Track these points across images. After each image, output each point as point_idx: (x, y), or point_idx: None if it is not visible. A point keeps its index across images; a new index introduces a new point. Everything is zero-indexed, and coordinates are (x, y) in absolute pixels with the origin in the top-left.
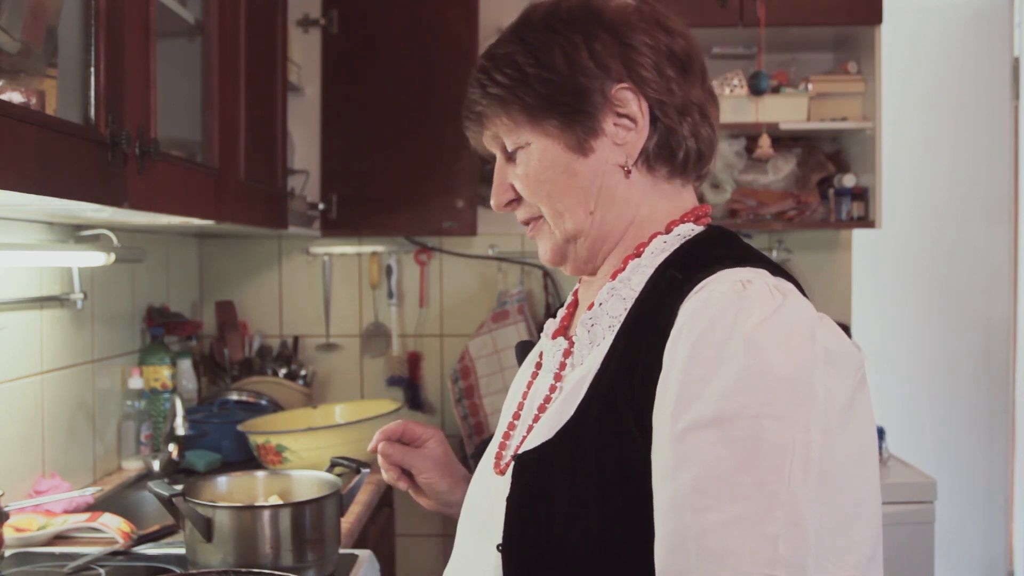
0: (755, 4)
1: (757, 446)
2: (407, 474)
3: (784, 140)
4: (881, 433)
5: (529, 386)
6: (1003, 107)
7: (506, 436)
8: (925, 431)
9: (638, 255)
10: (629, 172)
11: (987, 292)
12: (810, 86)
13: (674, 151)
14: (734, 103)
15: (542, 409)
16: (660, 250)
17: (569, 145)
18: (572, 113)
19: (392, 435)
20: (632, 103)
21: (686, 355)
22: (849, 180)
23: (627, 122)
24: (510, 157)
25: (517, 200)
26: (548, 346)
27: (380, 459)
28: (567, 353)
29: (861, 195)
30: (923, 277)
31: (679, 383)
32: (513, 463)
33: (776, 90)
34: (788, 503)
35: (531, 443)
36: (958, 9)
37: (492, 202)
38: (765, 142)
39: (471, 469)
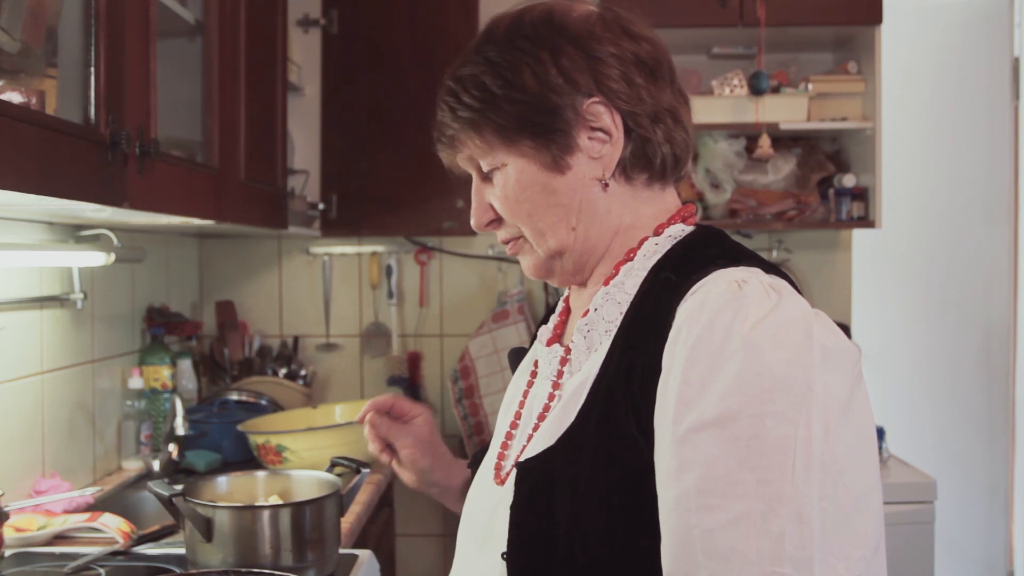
0: (755, 4)
1: (759, 445)
2: (391, 449)
3: (784, 140)
4: (881, 433)
5: (525, 394)
6: (1003, 107)
7: (504, 445)
8: (925, 431)
9: (630, 259)
10: (607, 185)
11: (987, 292)
12: (810, 86)
13: (651, 159)
14: (734, 103)
15: (541, 417)
16: (652, 252)
17: (545, 164)
18: (546, 132)
19: (381, 407)
20: (605, 116)
21: (685, 357)
22: (849, 180)
23: (601, 135)
24: (486, 177)
25: (498, 220)
26: (543, 353)
27: (367, 429)
28: (564, 360)
29: (861, 195)
30: (923, 277)
31: (679, 385)
32: (515, 471)
33: (776, 90)
34: (792, 500)
35: (532, 451)
36: (958, 9)
37: (473, 223)
38: (765, 142)
39: (472, 474)
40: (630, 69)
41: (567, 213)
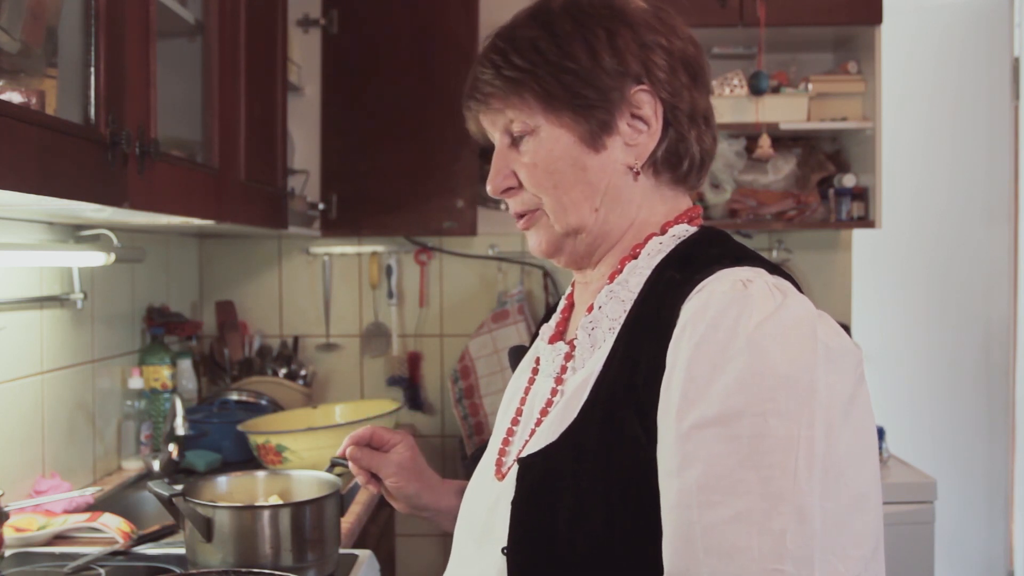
0: (755, 4)
1: (762, 443)
2: (377, 479)
3: (784, 140)
4: (881, 433)
5: (527, 391)
6: (1003, 107)
7: (505, 442)
8: (925, 431)
9: (634, 256)
10: (638, 174)
11: (987, 292)
12: (810, 86)
13: (681, 158)
14: (734, 103)
15: (544, 413)
16: (656, 251)
17: (582, 138)
18: (589, 107)
19: (360, 440)
20: (648, 105)
21: (689, 355)
22: (849, 180)
23: (640, 124)
24: (514, 143)
25: (516, 188)
26: (546, 351)
27: (350, 463)
28: (568, 357)
29: (861, 195)
30: (923, 277)
31: (683, 383)
32: (516, 466)
33: (776, 90)
34: (794, 498)
35: (533, 447)
36: (958, 9)
37: (489, 187)
38: (765, 142)
39: (469, 473)
40: (677, 65)
41: (593, 192)
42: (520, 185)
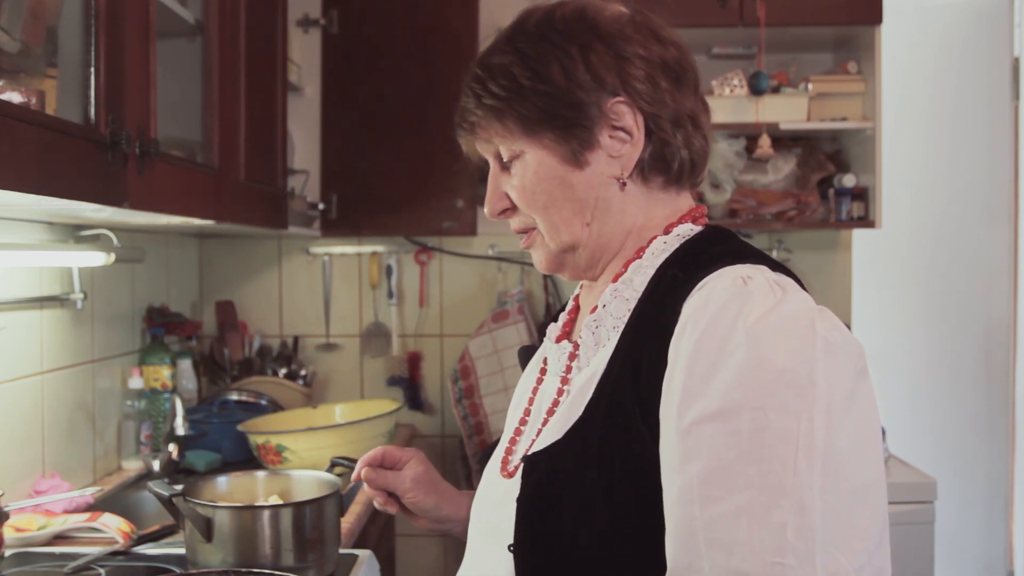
0: (755, 4)
1: (762, 436)
2: (395, 498)
3: (784, 140)
4: (881, 433)
5: (535, 391)
6: (1003, 107)
7: (513, 441)
8: (925, 431)
9: (639, 257)
10: (624, 184)
11: (987, 292)
12: (810, 86)
13: (668, 162)
14: (734, 103)
15: (550, 412)
16: (660, 251)
17: (564, 157)
18: (568, 126)
19: (373, 461)
20: (627, 116)
21: (690, 351)
22: (849, 180)
23: (622, 135)
24: (504, 166)
25: (512, 209)
26: (552, 350)
27: (366, 487)
28: (573, 356)
29: (861, 195)
30: (923, 277)
31: (684, 379)
32: (522, 464)
33: (776, 90)
34: (794, 491)
35: (540, 445)
36: (958, 9)
37: (486, 210)
38: (765, 142)
39: (470, 470)
40: (656, 72)
41: (582, 208)
42: (514, 206)
